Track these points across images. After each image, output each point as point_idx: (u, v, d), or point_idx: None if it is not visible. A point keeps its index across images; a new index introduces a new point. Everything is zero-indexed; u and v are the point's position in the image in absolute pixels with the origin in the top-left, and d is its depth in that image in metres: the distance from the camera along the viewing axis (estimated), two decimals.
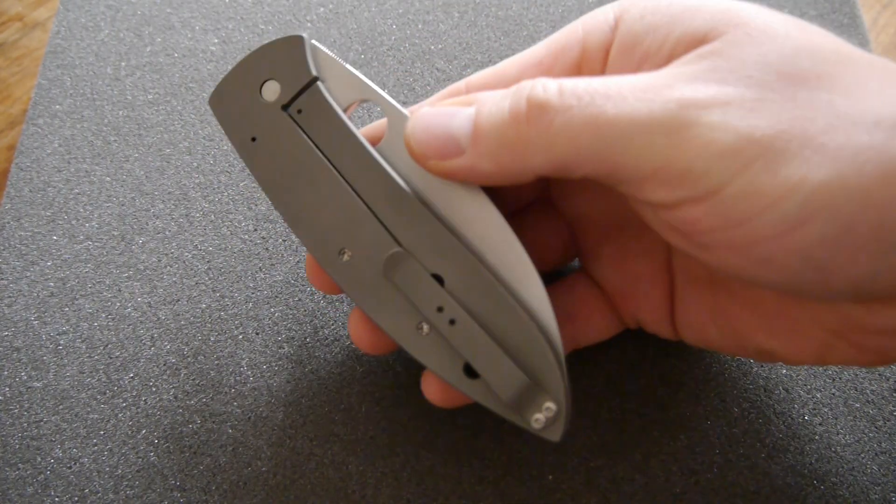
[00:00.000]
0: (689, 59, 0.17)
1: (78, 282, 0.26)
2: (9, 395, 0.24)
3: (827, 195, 0.14)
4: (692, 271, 0.21)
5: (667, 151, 0.15)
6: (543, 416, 0.18)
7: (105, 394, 0.24)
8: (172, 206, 0.28)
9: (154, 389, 0.24)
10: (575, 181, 0.18)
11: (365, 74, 0.32)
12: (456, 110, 0.18)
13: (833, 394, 0.24)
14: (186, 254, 0.27)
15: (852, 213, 0.14)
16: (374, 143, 0.20)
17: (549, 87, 0.17)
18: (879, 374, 0.24)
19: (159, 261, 0.27)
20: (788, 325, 0.19)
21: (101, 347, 0.25)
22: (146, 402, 0.24)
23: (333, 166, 0.19)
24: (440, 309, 0.18)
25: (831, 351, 0.18)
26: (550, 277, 0.23)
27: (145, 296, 0.26)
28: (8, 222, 0.27)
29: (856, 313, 0.17)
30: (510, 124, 0.17)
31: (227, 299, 0.26)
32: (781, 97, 0.15)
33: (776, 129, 0.15)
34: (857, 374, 0.24)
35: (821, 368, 0.24)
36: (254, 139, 0.20)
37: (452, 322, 0.18)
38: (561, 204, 0.24)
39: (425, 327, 0.19)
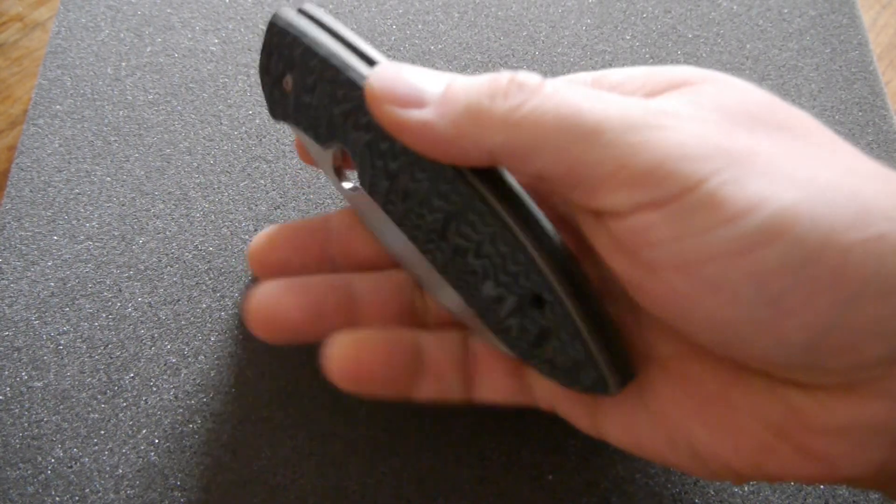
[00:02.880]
0: (668, 94, 0.17)
1: (78, 282, 0.26)
2: (9, 395, 0.24)
3: (791, 219, 0.14)
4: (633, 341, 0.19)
5: (634, 148, 0.15)
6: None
7: (105, 393, 0.24)
8: (173, 207, 0.28)
9: (155, 389, 0.24)
10: None
11: None
12: (433, 73, 0.17)
13: None
14: (187, 254, 0.27)
15: (815, 246, 0.14)
16: None
17: (532, 74, 0.16)
18: None
19: (160, 261, 0.27)
20: (727, 415, 0.17)
21: (102, 347, 0.25)
22: (147, 402, 0.24)
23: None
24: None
25: (772, 456, 0.16)
26: None
27: (146, 296, 0.26)
28: (8, 222, 0.27)
29: (802, 405, 0.16)
30: (484, 93, 0.16)
31: (227, 299, 0.26)
32: (754, 130, 0.15)
33: (748, 148, 0.15)
34: None
35: None
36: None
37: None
38: None
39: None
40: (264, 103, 0.30)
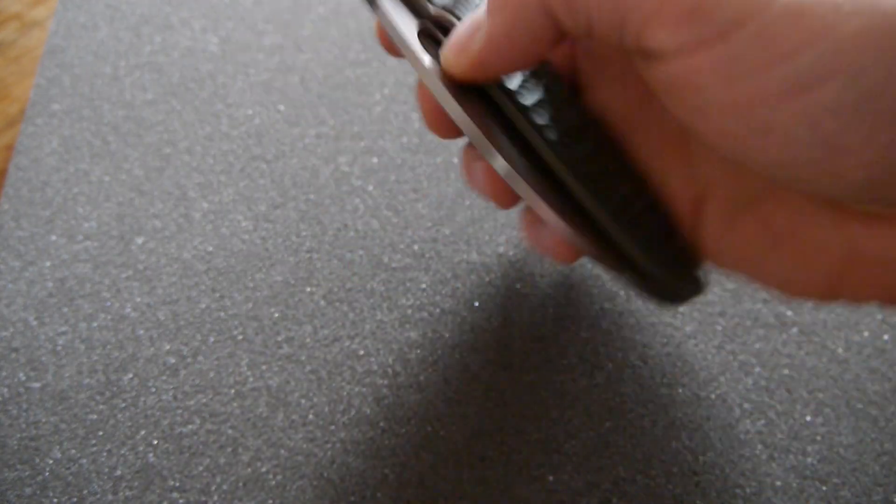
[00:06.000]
0: None
1: (76, 282, 0.26)
2: (7, 396, 0.24)
3: (853, 51, 0.12)
4: (719, 184, 0.19)
5: None
6: None
7: (104, 394, 0.24)
8: (172, 206, 0.28)
9: (153, 390, 0.24)
10: (600, 65, 0.18)
11: (364, 74, 0.32)
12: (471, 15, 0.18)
13: (835, 394, 0.24)
14: (185, 254, 0.27)
15: (880, 78, 0.12)
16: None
17: None
18: (882, 375, 0.24)
19: (158, 261, 0.27)
20: (798, 250, 0.17)
21: (100, 348, 0.25)
22: (145, 403, 0.24)
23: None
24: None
25: (841, 283, 0.16)
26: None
27: (144, 296, 0.26)
28: (6, 222, 0.27)
29: (862, 239, 0.15)
30: None
31: (226, 299, 0.26)
32: None
33: None
34: (858, 375, 0.24)
35: (822, 368, 0.24)
36: None
37: None
38: (586, 97, 0.22)
39: None
40: (264, 102, 0.30)
